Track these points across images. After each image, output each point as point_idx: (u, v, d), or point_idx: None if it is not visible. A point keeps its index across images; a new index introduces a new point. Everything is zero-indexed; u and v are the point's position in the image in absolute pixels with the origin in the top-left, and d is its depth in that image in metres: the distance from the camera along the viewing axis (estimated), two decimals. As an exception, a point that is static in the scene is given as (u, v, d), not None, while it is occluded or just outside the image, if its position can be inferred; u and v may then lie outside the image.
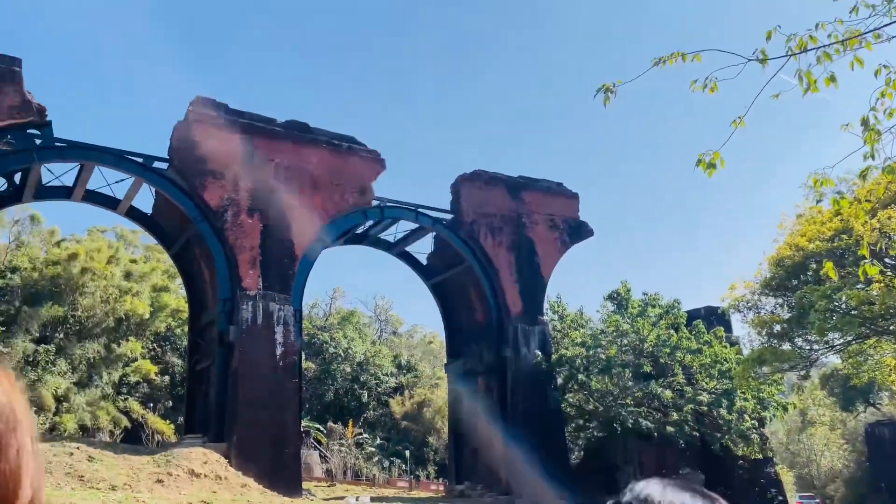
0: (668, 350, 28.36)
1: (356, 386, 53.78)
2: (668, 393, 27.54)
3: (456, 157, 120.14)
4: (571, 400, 30.31)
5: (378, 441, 49.59)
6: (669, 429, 27.39)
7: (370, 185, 28.51)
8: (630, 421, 27.07)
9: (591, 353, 28.44)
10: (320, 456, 43.21)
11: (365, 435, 48.95)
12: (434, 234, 31.66)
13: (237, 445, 23.58)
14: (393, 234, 32.25)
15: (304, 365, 36.46)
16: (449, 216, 30.60)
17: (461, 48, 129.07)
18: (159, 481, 20.95)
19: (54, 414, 38.69)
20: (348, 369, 53.75)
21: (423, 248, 33.76)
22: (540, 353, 28.99)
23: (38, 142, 23.18)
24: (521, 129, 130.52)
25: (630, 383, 27.90)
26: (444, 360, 58.93)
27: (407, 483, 39.92)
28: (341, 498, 29.04)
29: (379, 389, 54.63)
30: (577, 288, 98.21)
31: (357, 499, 28.12)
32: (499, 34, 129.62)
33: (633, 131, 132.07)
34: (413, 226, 31.11)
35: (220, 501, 19.92)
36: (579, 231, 32.30)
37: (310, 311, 58.06)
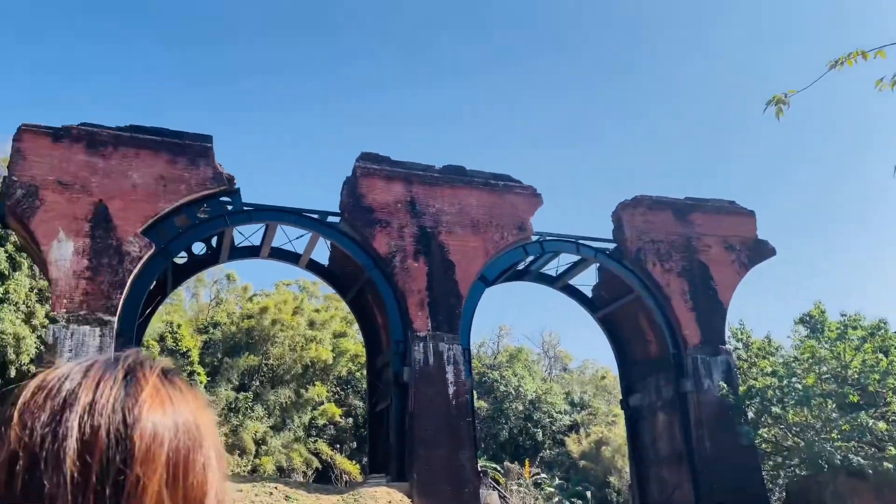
0: (877, 377, 25.13)
1: (530, 424, 53.25)
2: (882, 425, 24.30)
3: (614, 184, 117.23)
4: (766, 435, 27.70)
5: (557, 481, 48.48)
6: (887, 465, 24.06)
7: (528, 220, 28.52)
8: (838, 457, 24.16)
9: (784, 383, 25.92)
10: (500, 496, 42.94)
11: (542, 475, 48.09)
12: (598, 265, 30.88)
13: (418, 484, 24.10)
14: (555, 267, 31.88)
15: (476, 404, 36.76)
16: (612, 245, 29.73)
17: (611, 68, 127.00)
18: (348, 520, 21.91)
19: (255, 456, 42.10)
20: (520, 408, 53.43)
21: (587, 280, 33.05)
22: (725, 385, 26.92)
23: (229, 208, 25.86)
24: (682, 149, 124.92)
25: (834, 415, 24.99)
26: (619, 396, 56.71)
27: (590, 525, 38.46)
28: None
29: (553, 428, 53.67)
30: (761, 312, 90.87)
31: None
32: (652, 49, 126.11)
33: (809, 138, 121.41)
34: (575, 258, 30.57)
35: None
36: (759, 251, 29.93)
37: (478, 350, 58.76)
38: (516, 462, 48.65)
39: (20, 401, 0.91)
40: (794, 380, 26.01)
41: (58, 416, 0.88)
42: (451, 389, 25.79)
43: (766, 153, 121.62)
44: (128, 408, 0.91)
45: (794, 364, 26.94)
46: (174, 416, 0.94)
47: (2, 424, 0.88)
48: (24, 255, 29.82)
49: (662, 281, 28.72)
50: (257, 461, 41.10)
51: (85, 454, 0.85)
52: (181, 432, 0.93)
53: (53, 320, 21.83)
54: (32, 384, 0.95)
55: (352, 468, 44.57)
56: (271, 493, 23.04)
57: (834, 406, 25.16)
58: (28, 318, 30.40)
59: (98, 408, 0.89)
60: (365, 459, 46.72)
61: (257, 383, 46.90)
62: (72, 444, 0.85)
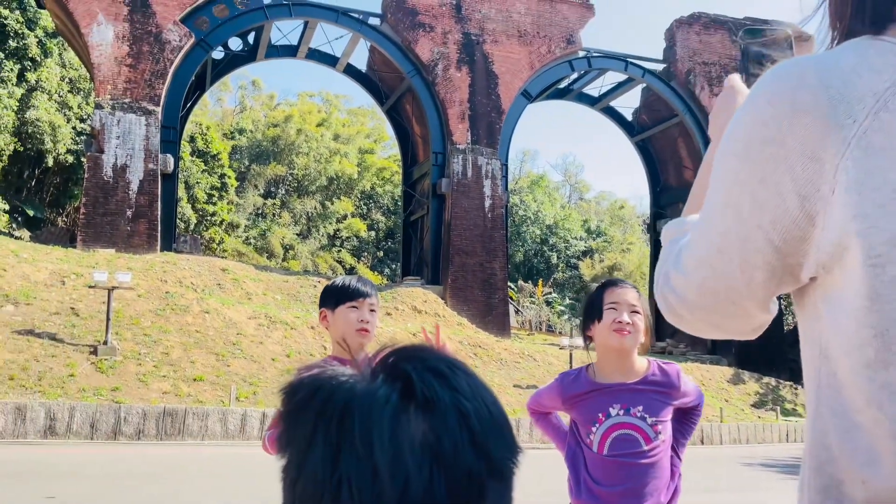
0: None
1: (545, 248, 54.79)
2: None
3: (670, 1, 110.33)
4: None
5: (567, 301, 50.73)
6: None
7: (578, 34, 27.28)
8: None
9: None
10: (514, 310, 45.17)
11: (554, 294, 50.25)
12: (642, 86, 29.99)
13: (451, 289, 25.26)
14: (598, 87, 31.00)
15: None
16: (661, 66, 28.67)
17: None
18: (388, 314, 23.27)
19: (283, 259, 43.78)
20: (538, 232, 54.66)
21: (628, 104, 32.27)
22: (757, 213, 27.24)
23: (267, 1, 24.66)
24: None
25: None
26: (635, 227, 57.69)
27: (599, 340, 40.82)
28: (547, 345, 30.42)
29: (568, 252, 55.23)
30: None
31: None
32: None
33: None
34: (620, 78, 29.61)
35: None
36: (812, 80, 28.90)
37: (500, 174, 58.90)
38: (529, 282, 50.69)
39: None
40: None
41: None
42: (487, 202, 26.19)
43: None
44: None
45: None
46: None
47: None
48: (55, 40, 28.92)
49: (709, 106, 28.01)
50: (285, 264, 42.78)
51: None
52: None
53: (99, 106, 21.64)
54: None
55: (375, 278, 46.46)
56: (315, 286, 24.29)
57: None
58: (61, 107, 30.13)
59: None
60: (387, 270, 48.68)
61: (283, 192, 47.63)
62: None
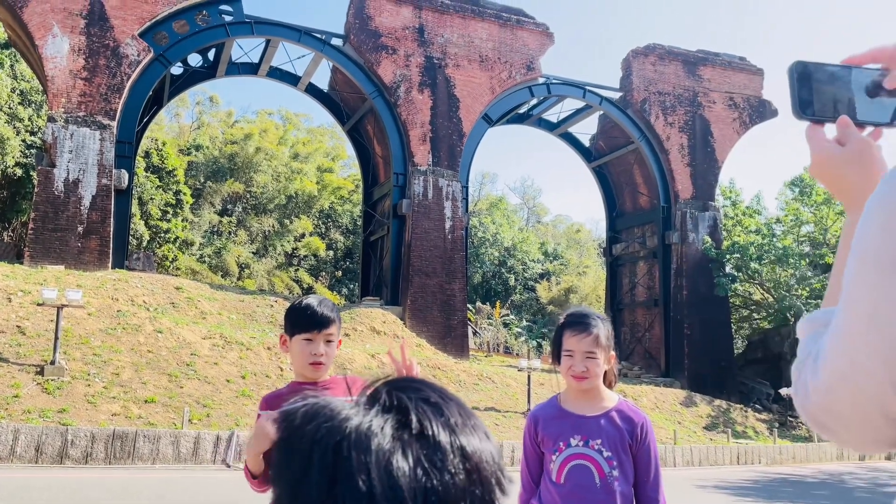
0: (854, 241, 26.42)
1: (503, 270, 55.13)
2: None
3: (627, 32, 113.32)
4: (739, 290, 29.33)
5: (525, 323, 51.04)
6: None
7: (537, 60, 27.84)
8: (805, 312, 25.93)
9: (765, 241, 27.10)
10: (472, 332, 45.22)
11: (511, 316, 50.51)
12: (600, 114, 30.70)
13: (411, 309, 25.20)
14: (557, 113, 31.61)
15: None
16: (617, 94, 29.43)
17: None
18: (346, 335, 23.06)
19: (238, 279, 43.06)
20: (496, 254, 55.02)
21: (585, 131, 32.96)
22: (709, 239, 28.03)
23: (228, 18, 24.51)
24: None
25: (809, 273, 26.48)
26: (591, 250, 58.58)
27: (556, 362, 41.05)
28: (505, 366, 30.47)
29: (525, 275, 55.68)
30: (755, 172, 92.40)
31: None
32: None
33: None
34: (579, 105, 30.27)
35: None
36: (761, 111, 30.00)
37: (459, 196, 59.16)
38: (487, 303, 50.88)
39: None
40: (774, 240, 27.17)
41: None
42: (447, 224, 26.32)
43: (788, 9, 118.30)
44: None
45: (775, 225, 28.00)
46: None
47: None
48: (7, 51, 28.16)
49: (663, 134, 28.82)
50: (240, 283, 42.07)
51: None
52: None
53: (52, 119, 21.09)
54: None
55: (332, 298, 45.97)
56: (271, 306, 23.95)
57: (808, 265, 26.55)
58: (11, 119, 29.28)
59: None
60: (345, 290, 48.28)
61: (240, 209, 46.99)
62: None
